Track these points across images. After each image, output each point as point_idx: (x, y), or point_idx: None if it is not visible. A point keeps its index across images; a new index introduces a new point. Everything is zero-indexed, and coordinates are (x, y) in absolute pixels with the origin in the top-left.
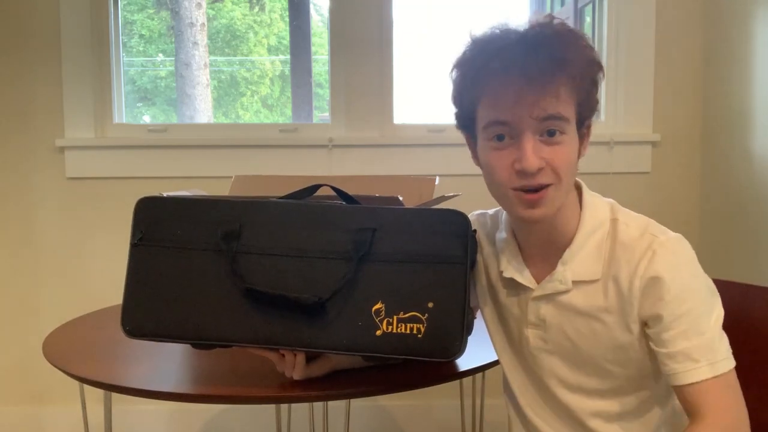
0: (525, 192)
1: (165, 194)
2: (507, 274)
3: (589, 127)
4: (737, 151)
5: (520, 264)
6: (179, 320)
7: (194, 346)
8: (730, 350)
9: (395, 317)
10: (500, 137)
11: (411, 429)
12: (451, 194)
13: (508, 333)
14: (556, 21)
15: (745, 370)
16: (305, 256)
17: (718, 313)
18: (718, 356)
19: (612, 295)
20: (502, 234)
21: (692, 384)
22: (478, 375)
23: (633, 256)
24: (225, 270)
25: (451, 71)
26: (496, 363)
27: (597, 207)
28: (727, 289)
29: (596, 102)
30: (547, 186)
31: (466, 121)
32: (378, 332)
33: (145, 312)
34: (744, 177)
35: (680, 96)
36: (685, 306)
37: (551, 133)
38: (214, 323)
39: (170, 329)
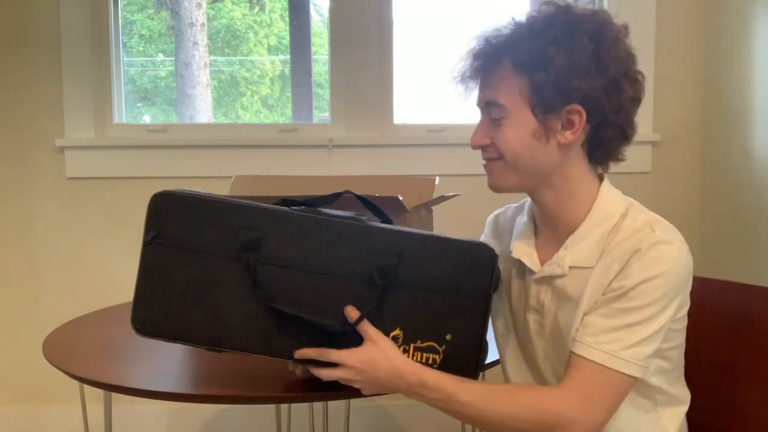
0: (484, 163)
1: (185, 190)
2: (515, 254)
3: (571, 114)
4: (737, 151)
5: (531, 247)
6: (192, 324)
7: (205, 348)
8: (645, 365)
9: (412, 345)
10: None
11: (411, 429)
12: (451, 194)
13: (513, 317)
14: (547, 8)
15: (745, 370)
16: (325, 274)
17: (658, 326)
18: (622, 355)
19: (597, 280)
20: (523, 218)
21: (580, 356)
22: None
23: (625, 244)
24: (244, 280)
25: None
26: (496, 363)
27: (610, 201)
28: (727, 289)
29: (570, 87)
30: (496, 158)
31: None
32: None
33: (157, 313)
34: (744, 177)
35: (680, 96)
36: (634, 303)
37: (494, 119)
38: (229, 331)
39: (182, 332)
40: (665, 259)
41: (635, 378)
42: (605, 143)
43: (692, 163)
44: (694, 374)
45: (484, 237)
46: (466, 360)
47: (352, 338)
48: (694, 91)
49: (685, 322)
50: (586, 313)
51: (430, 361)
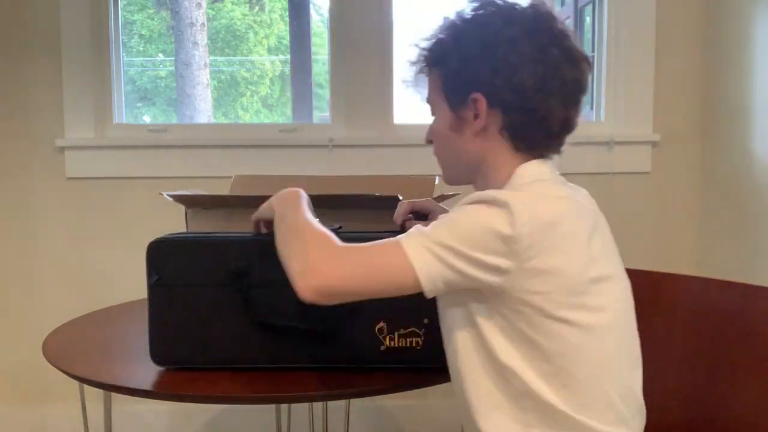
0: None
1: (174, 234)
2: None
3: (474, 102)
4: (737, 151)
5: None
6: (202, 349)
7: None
8: (422, 262)
9: (396, 333)
10: None
11: (411, 429)
12: (451, 194)
13: None
14: (470, 9)
15: (745, 370)
16: None
17: (449, 244)
18: (414, 238)
19: None
20: None
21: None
22: None
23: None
24: (239, 304)
25: None
26: None
27: (519, 176)
28: (727, 289)
29: (467, 78)
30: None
31: None
32: (382, 347)
33: (171, 344)
34: (744, 177)
35: (680, 96)
36: (448, 214)
37: (430, 112)
38: (236, 351)
39: (194, 357)
40: (470, 209)
41: (412, 269)
42: (519, 130)
43: (692, 163)
44: (694, 374)
45: None
46: None
47: (336, 338)
48: (694, 91)
49: (547, 311)
50: None
51: (414, 344)
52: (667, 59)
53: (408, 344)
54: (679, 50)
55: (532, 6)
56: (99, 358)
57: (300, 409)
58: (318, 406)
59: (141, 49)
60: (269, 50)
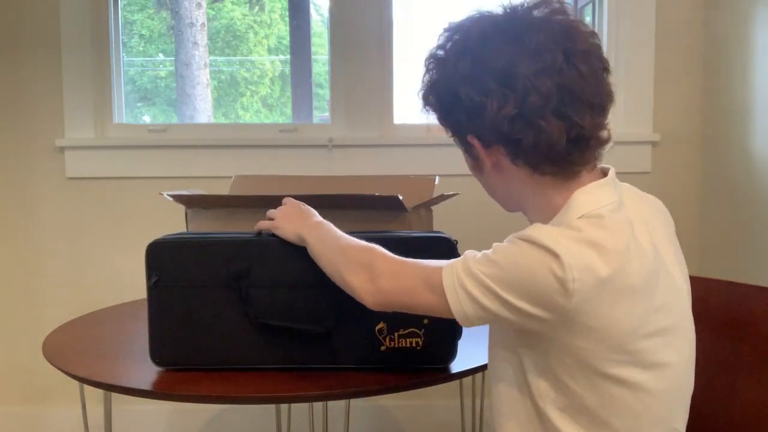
0: None
1: (173, 235)
2: None
3: (474, 145)
4: (737, 151)
5: None
6: (202, 350)
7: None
8: (456, 292)
9: (396, 334)
10: None
11: (411, 429)
12: (451, 193)
13: None
14: (439, 41)
15: (745, 370)
16: (309, 287)
17: (486, 282)
18: (455, 268)
19: None
20: None
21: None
22: (478, 375)
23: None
24: (238, 304)
25: None
26: None
27: (574, 207)
28: (727, 289)
29: (451, 120)
30: None
31: None
32: (382, 348)
33: (170, 345)
34: (744, 177)
35: (680, 96)
36: (496, 246)
37: None
38: (235, 351)
39: (195, 358)
40: (522, 250)
41: (445, 298)
42: (527, 157)
43: (692, 163)
44: (694, 374)
45: None
46: (444, 338)
47: (336, 338)
48: (694, 91)
49: (594, 367)
50: None
51: (414, 345)
52: (667, 59)
53: (408, 345)
54: (679, 50)
55: (478, 21)
56: (99, 358)
57: (300, 409)
58: (318, 406)
59: (141, 49)
60: (269, 50)
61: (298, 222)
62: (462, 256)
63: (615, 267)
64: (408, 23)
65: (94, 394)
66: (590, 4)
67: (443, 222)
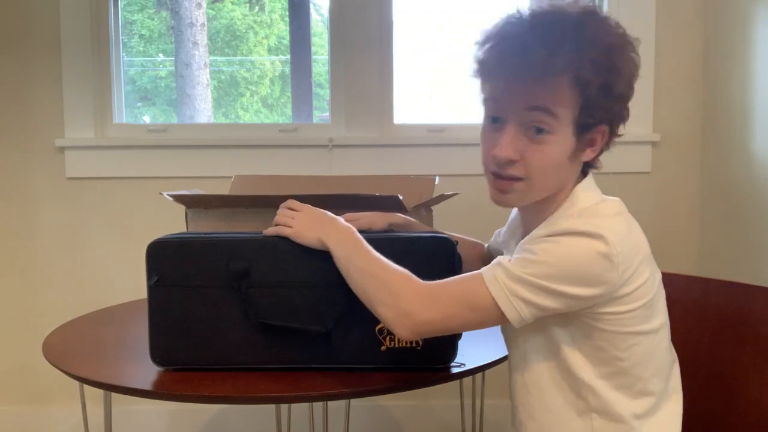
0: (496, 177)
1: (173, 235)
2: (501, 239)
3: (602, 134)
4: (737, 151)
5: (513, 234)
6: (202, 350)
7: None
8: (517, 305)
9: None
10: (494, 119)
11: (411, 429)
12: (451, 193)
13: None
14: (595, 17)
15: (745, 370)
16: (309, 287)
17: (537, 282)
18: (499, 278)
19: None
20: (515, 210)
21: (480, 270)
22: (478, 375)
23: (551, 227)
24: (238, 304)
25: (479, 38)
26: (496, 363)
27: (577, 202)
28: (727, 289)
29: (608, 109)
30: (519, 179)
31: (480, 92)
32: (383, 348)
33: (171, 344)
34: (744, 177)
35: (680, 96)
36: (533, 252)
37: (538, 130)
38: (235, 351)
39: (195, 358)
40: (570, 245)
41: (499, 309)
42: (601, 153)
43: (692, 163)
44: (694, 374)
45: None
46: (444, 338)
47: (336, 338)
48: (694, 91)
49: (626, 327)
50: None
51: (414, 344)
52: (667, 59)
53: (408, 344)
54: (679, 50)
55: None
56: (99, 358)
57: (300, 409)
58: (318, 406)
59: (141, 49)
60: (269, 50)
61: (321, 229)
62: (495, 265)
63: (640, 239)
64: (408, 23)
65: (94, 394)
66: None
67: (443, 222)
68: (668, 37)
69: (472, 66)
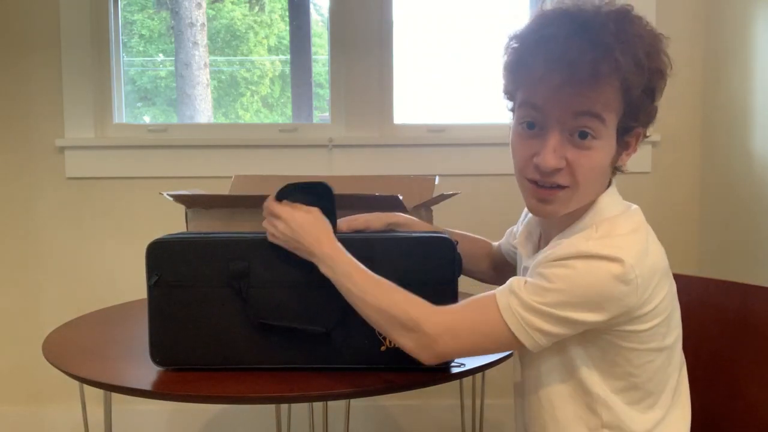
0: (538, 186)
1: (173, 235)
2: (517, 241)
3: (638, 137)
4: (737, 151)
5: (530, 236)
6: (202, 350)
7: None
8: (533, 335)
9: None
10: (530, 125)
11: (411, 429)
12: (451, 193)
13: None
14: (632, 16)
15: (745, 370)
16: (309, 287)
17: (553, 313)
18: (515, 310)
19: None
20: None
21: (494, 293)
22: (478, 375)
23: (568, 248)
24: (238, 304)
25: (510, 39)
26: (496, 363)
27: (601, 212)
28: (727, 289)
29: (649, 112)
30: (563, 187)
31: (510, 94)
32: (382, 348)
33: (171, 344)
34: (744, 177)
35: (680, 96)
36: (549, 279)
37: (582, 135)
38: (236, 351)
39: (195, 358)
40: (586, 270)
41: (518, 340)
42: (635, 146)
43: (692, 163)
44: (694, 374)
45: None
46: None
47: (336, 339)
48: (694, 91)
49: (643, 344)
50: None
51: None
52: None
53: None
54: (679, 50)
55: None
56: (99, 358)
57: (300, 409)
58: (318, 406)
59: (141, 49)
60: (269, 50)
61: (305, 250)
62: (509, 292)
63: (659, 257)
64: (408, 23)
65: (94, 394)
66: None
67: (443, 222)
68: (668, 37)
69: (506, 70)
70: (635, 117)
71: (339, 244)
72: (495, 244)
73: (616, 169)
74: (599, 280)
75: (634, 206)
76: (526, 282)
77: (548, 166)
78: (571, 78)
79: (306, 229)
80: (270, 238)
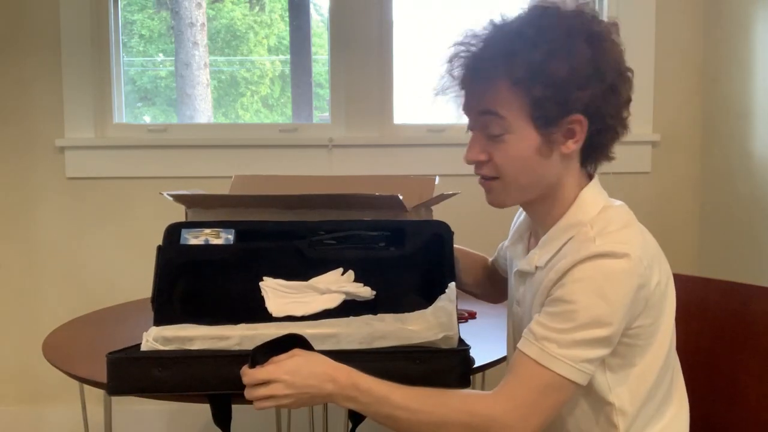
0: (479, 179)
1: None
2: (507, 245)
3: (580, 123)
4: (737, 151)
5: (521, 238)
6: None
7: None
8: (584, 369)
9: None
10: (468, 128)
11: None
12: (451, 193)
13: (509, 309)
14: (541, 10)
15: (745, 370)
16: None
17: (591, 336)
18: (556, 353)
19: (543, 283)
20: (521, 214)
21: (519, 350)
22: (478, 375)
23: (571, 254)
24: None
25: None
26: (496, 363)
27: (585, 206)
28: (727, 289)
29: (580, 99)
30: (493, 178)
31: None
32: None
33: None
34: (744, 177)
35: (680, 96)
36: (570, 300)
37: (491, 131)
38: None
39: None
40: (600, 272)
41: (575, 382)
42: (601, 146)
43: (692, 163)
44: (693, 374)
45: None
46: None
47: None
48: (694, 91)
49: (653, 337)
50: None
51: None
52: (667, 59)
53: None
54: (679, 50)
55: (604, 20)
56: (99, 358)
57: (300, 409)
58: (318, 405)
59: (141, 49)
60: (269, 50)
61: (313, 400)
62: (539, 341)
63: (654, 245)
64: (408, 23)
65: (94, 394)
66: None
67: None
68: (668, 37)
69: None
70: (543, 107)
71: (349, 367)
72: (490, 259)
73: (589, 164)
74: (613, 279)
75: (619, 202)
76: (541, 321)
77: (467, 160)
78: (471, 83)
79: (306, 373)
80: (274, 406)
